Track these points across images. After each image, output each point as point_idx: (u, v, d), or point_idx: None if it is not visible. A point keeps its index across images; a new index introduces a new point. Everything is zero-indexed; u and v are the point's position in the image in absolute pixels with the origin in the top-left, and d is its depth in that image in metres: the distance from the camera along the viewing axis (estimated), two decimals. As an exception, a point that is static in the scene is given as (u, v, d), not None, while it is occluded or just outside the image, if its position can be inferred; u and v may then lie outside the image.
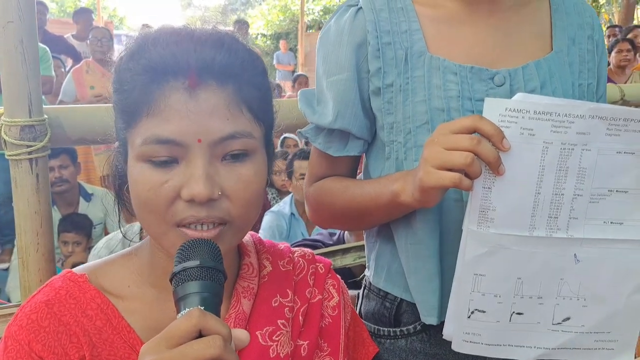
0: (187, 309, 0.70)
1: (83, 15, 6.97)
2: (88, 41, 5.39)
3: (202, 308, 0.70)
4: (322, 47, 1.16)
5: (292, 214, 3.60)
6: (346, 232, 2.54)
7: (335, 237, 2.54)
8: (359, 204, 1.10)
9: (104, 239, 3.07)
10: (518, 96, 0.93)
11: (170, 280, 0.75)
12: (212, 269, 0.74)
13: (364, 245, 1.68)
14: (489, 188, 0.93)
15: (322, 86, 1.15)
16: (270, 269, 1.00)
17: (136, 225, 3.51)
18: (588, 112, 0.91)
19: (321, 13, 21.99)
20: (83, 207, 3.89)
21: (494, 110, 0.91)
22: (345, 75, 1.11)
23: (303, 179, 3.07)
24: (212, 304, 0.72)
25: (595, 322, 1.01)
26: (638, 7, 13.32)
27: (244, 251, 1.00)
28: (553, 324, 1.00)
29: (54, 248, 1.11)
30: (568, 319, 1.00)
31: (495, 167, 0.91)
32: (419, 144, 1.07)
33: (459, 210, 1.06)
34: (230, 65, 0.83)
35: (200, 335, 0.67)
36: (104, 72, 5.23)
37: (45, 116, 1.07)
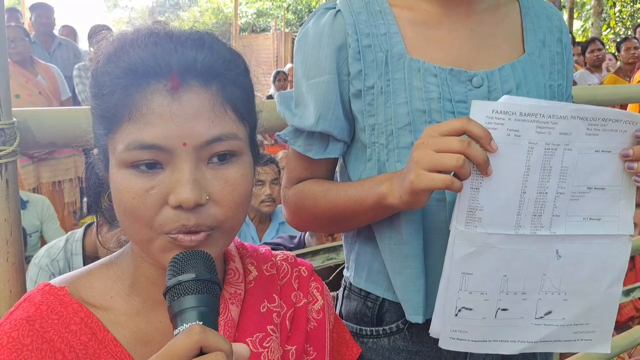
0: (185, 325, 0.68)
1: (8, 15, 6.67)
2: None
3: (201, 323, 0.68)
4: (300, 49, 1.15)
5: (242, 218, 3.54)
6: (307, 235, 2.53)
7: (296, 241, 2.52)
8: (343, 206, 1.10)
9: (45, 248, 2.94)
10: (504, 98, 0.95)
11: (164, 294, 0.72)
12: (208, 282, 0.72)
13: (332, 247, 1.68)
14: (476, 188, 0.95)
15: (302, 88, 1.14)
16: (256, 273, 0.99)
17: (77, 233, 3.34)
18: (570, 113, 0.94)
19: (254, 16, 21.89)
20: (17, 215, 3.70)
21: (481, 112, 0.93)
22: (326, 77, 1.10)
23: (259, 184, 3.06)
24: (210, 319, 0.70)
25: (575, 315, 1.05)
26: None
27: (228, 256, 0.98)
28: (536, 318, 1.03)
29: (24, 258, 1.06)
30: (550, 312, 1.03)
31: (484, 168, 0.93)
32: (401, 145, 1.08)
33: (442, 210, 1.08)
34: (213, 64, 0.81)
35: (201, 351, 0.66)
36: (28, 76, 4.61)
37: (15, 119, 1.02)
